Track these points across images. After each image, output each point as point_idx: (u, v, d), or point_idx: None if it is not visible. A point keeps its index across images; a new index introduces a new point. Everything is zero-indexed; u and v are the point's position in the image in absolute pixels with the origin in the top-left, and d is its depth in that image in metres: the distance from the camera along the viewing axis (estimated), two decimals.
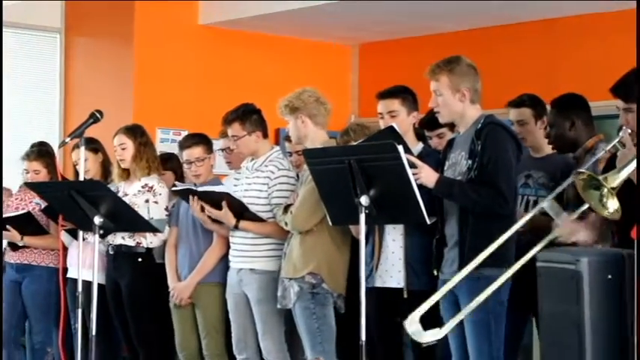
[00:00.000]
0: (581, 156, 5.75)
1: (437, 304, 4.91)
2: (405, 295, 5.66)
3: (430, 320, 5.34)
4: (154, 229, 6.40)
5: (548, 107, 6.04)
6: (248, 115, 6.40)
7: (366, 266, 5.67)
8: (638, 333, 3.94)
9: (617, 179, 4.21)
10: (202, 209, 6.37)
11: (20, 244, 7.50)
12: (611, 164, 4.71)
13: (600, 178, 4.22)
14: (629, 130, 4.53)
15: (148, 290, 6.91)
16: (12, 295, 7.67)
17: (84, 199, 5.18)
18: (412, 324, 4.68)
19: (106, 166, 7.36)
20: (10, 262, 7.65)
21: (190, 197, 6.47)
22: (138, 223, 5.87)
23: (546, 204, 4.81)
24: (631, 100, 4.55)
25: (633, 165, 4.24)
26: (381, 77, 8.70)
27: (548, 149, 5.99)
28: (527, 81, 9.19)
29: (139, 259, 6.91)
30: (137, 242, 6.87)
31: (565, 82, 8.76)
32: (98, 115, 5.52)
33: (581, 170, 4.40)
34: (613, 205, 4.17)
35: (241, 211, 6.22)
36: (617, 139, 4.58)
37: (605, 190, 4.17)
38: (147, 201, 6.85)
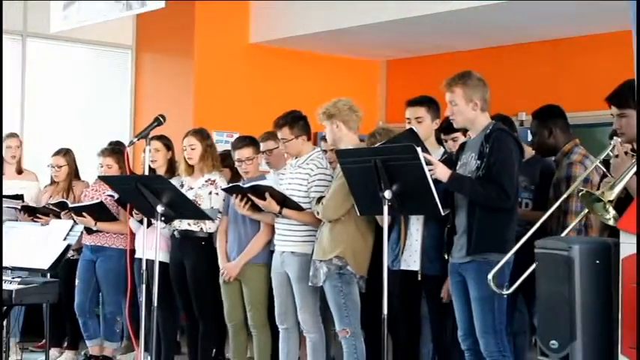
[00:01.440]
0: (560, 159, 5.75)
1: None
2: (419, 278, 5.67)
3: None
4: (206, 217, 6.40)
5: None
6: (296, 121, 6.38)
7: (391, 252, 5.73)
8: (621, 310, 3.92)
9: (613, 194, 4.22)
10: (246, 204, 6.40)
11: (94, 229, 7.51)
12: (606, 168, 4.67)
13: (597, 193, 4.23)
14: (619, 140, 4.50)
15: (208, 269, 6.90)
16: (87, 273, 7.69)
17: (148, 191, 5.21)
18: None
19: (172, 163, 7.40)
20: (86, 244, 7.65)
21: (233, 196, 6.50)
22: (193, 212, 5.89)
23: None
24: (623, 106, 4.54)
25: (627, 179, 4.23)
26: (405, 89, 8.70)
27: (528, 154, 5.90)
28: (532, 92, 9.17)
29: (202, 242, 6.93)
30: (200, 228, 6.91)
31: (565, 94, 8.73)
32: (161, 119, 5.54)
33: (580, 189, 4.42)
34: (612, 214, 4.19)
35: (284, 201, 6.24)
36: (609, 148, 4.52)
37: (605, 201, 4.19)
38: (210, 193, 6.87)
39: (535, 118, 5.89)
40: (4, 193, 7.87)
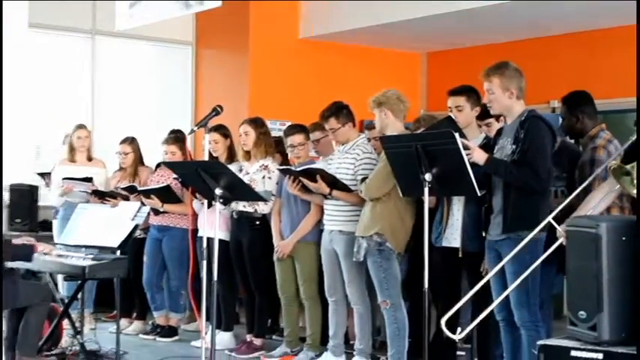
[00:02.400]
0: (586, 143, 5.72)
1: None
2: (460, 255, 5.69)
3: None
4: (261, 199, 6.44)
5: None
6: (340, 110, 6.42)
7: (435, 230, 5.75)
8: None
9: None
10: (297, 185, 6.45)
11: (161, 210, 7.60)
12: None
13: (628, 167, 4.23)
14: None
15: (263, 247, 6.98)
16: (154, 250, 7.79)
17: (207, 175, 5.26)
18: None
19: (231, 149, 7.46)
20: (153, 224, 7.74)
21: (286, 177, 6.55)
22: (249, 194, 5.94)
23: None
24: None
25: None
26: (445, 78, 8.69)
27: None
28: (564, 80, 9.10)
29: (257, 222, 7.01)
30: (255, 209, 6.97)
31: (595, 82, 8.65)
32: (219, 109, 5.58)
33: (613, 162, 4.41)
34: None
35: (333, 183, 6.26)
36: (634, 136, 4.54)
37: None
38: (263, 177, 6.94)
39: (564, 104, 5.86)
40: (74, 176, 8.04)
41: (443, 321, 4.64)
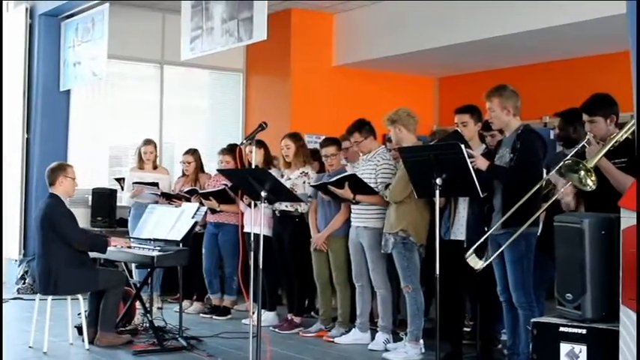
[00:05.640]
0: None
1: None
2: (465, 246, 5.66)
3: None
4: (298, 200, 6.44)
5: None
6: (363, 126, 6.42)
7: (444, 225, 5.74)
8: (622, 270, 3.89)
9: (593, 162, 4.26)
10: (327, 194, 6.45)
11: (218, 210, 7.62)
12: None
13: (582, 162, 4.24)
14: (592, 135, 4.51)
15: (301, 240, 6.97)
16: (212, 243, 7.82)
17: (255, 180, 5.29)
18: (470, 257, 4.77)
19: (267, 157, 7.46)
20: (210, 221, 7.76)
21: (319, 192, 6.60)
22: (288, 196, 5.96)
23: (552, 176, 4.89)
24: (592, 114, 4.59)
25: (602, 152, 4.29)
26: (454, 99, 8.62)
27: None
28: (554, 100, 9.03)
29: (296, 220, 7.03)
30: (295, 209, 6.99)
31: (579, 101, 8.56)
32: (264, 125, 5.58)
33: (567, 158, 4.39)
34: (591, 181, 4.18)
35: (361, 186, 6.22)
36: (583, 141, 4.53)
37: (583, 172, 4.19)
38: (304, 182, 6.96)
39: (562, 117, 5.78)
40: (141, 181, 8.11)
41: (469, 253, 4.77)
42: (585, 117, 4.63)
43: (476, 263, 4.78)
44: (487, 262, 4.86)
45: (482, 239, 4.87)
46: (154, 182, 8.15)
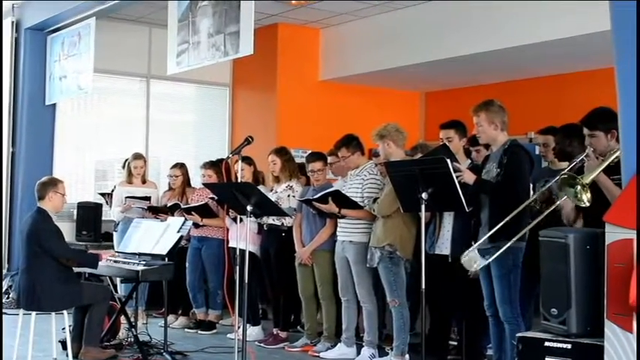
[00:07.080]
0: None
1: None
2: (450, 260, 5.66)
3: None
4: (284, 214, 6.43)
5: None
6: (350, 141, 6.43)
7: (429, 239, 5.73)
8: (607, 285, 3.89)
9: (589, 178, 4.19)
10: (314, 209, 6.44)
11: (201, 224, 7.59)
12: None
13: (578, 177, 4.21)
14: (592, 149, 4.47)
15: (287, 254, 6.94)
16: (195, 257, 7.78)
17: (240, 194, 5.27)
18: (465, 259, 4.74)
19: (255, 174, 7.45)
20: (193, 235, 7.72)
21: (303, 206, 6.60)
22: (274, 210, 5.93)
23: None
24: (593, 129, 4.52)
25: (599, 169, 4.23)
26: (440, 114, 8.66)
27: (560, 165, 5.74)
28: (539, 116, 9.08)
29: (283, 234, 6.99)
30: (282, 222, 6.97)
31: (563, 117, 8.59)
32: (250, 139, 5.57)
33: (564, 172, 4.38)
34: (587, 197, 4.15)
35: (346, 201, 6.22)
36: (583, 155, 4.50)
37: (579, 187, 4.14)
38: (289, 196, 6.94)
39: (560, 132, 5.78)
40: (133, 196, 8.07)
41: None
42: (586, 131, 4.58)
43: (471, 265, 4.75)
44: (487, 262, 4.83)
45: (475, 245, 4.84)
46: (147, 197, 8.10)
